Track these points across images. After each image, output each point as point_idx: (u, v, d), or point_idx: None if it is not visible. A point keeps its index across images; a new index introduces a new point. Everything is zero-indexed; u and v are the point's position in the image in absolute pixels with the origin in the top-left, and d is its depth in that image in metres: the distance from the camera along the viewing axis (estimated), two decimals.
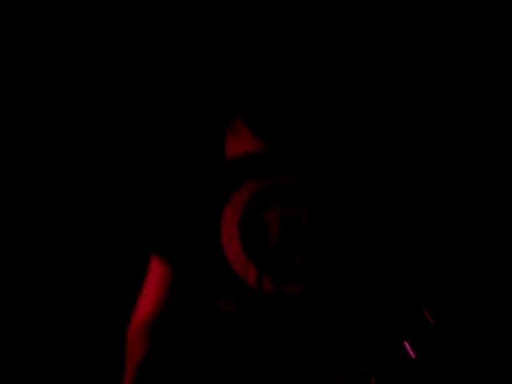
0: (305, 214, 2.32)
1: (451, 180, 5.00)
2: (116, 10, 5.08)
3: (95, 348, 3.93)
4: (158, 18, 5.04)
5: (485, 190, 5.11)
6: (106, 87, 5.26)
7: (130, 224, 3.72)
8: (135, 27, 5.21)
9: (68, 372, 4.05)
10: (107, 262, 4.16)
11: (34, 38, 5.23)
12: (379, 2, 5.34)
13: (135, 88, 5.02)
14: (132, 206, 3.72)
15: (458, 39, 5.21)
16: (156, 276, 2.36)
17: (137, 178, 4.18)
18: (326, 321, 2.28)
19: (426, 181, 4.89)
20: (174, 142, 4.35)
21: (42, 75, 5.38)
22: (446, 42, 5.31)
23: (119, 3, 5.08)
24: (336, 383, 2.47)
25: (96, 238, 4.24)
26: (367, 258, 2.60)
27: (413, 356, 2.64)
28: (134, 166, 4.41)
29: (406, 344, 2.80)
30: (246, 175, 2.32)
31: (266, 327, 2.21)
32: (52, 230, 4.57)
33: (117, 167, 4.55)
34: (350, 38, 5.20)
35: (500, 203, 4.89)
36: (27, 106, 5.36)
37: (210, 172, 2.41)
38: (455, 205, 4.84)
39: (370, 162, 4.27)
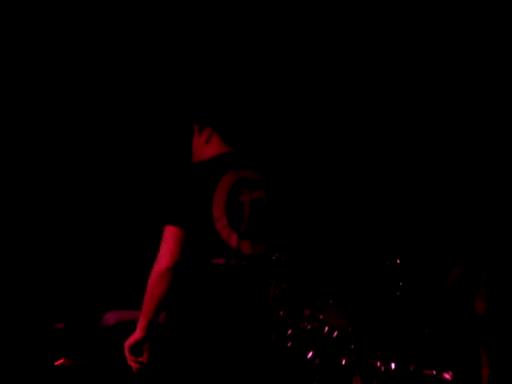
0: (264, 196, 3.17)
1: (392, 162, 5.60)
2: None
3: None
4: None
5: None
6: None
7: (149, 203, 4.64)
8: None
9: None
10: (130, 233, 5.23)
11: (34, 39, 5.49)
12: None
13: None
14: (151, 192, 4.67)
15: (458, 39, 5.36)
16: (173, 237, 3.04)
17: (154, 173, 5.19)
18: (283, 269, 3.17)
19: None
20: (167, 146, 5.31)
21: (41, 75, 5.58)
22: (443, 42, 5.43)
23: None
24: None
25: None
26: (308, 225, 3.55)
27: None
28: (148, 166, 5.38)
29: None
30: (226, 169, 3.14)
31: (243, 275, 3.05)
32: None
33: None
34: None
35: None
36: (26, 106, 5.60)
37: (200, 168, 3.17)
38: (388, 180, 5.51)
39: (307, 160, 5.25)
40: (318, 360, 4.55)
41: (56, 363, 4.55)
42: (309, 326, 4.61)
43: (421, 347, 4.47)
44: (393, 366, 4.37)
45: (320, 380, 4.33)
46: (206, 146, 3.28)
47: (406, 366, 4.37)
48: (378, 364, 4.42)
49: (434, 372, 4.34)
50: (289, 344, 4.63)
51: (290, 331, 4.63)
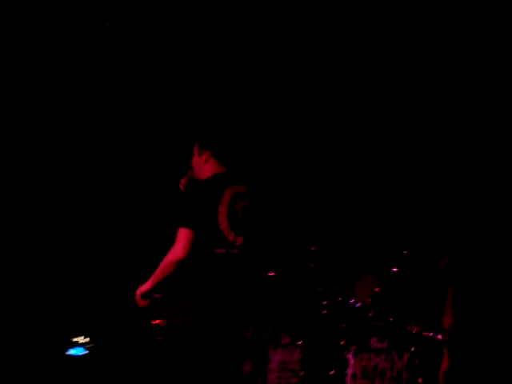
0: (248, 204, 4.17)
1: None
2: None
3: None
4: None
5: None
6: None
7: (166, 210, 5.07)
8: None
9: None
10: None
11: (35, 39, 5.71)
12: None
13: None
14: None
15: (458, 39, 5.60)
16: (185, 236, 3.95)
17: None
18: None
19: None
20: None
21: (42, 75, 5.86)
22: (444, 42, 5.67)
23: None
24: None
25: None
26: (278, 225, 4.97)
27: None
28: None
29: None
30: (225, 185, 4.09)
31: (236, 259, 4.09)
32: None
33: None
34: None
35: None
36: (27, 107, 5.92)
37: (205, 185, 4.08)
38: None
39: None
40: (345, 324, 5.82)
41: (153, 323, 5.79)
42: (339, 298, 5.92)
43: (422, 316, 5.69)
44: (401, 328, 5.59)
45: (346, 338, 5.68)
46: (205, 165, 4.23)
47: (410, 328, 5.60)
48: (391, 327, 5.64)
49: (431, 334, 5.55)
50: (324, 312, 5.95)
51: (325, 302, 5.93)
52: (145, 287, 4.16)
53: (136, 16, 5.90)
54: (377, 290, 5.81)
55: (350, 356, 5.57)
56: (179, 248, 4.00)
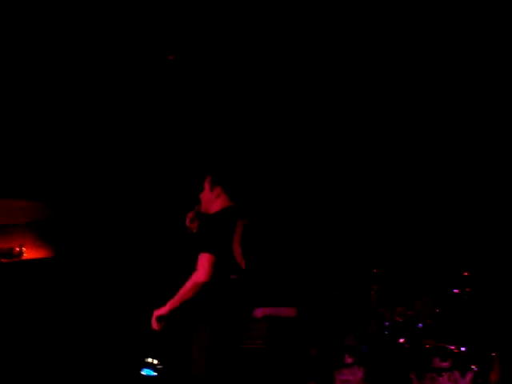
0: (253, 235, 4.42)
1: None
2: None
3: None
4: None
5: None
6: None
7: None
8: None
9: None
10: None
11: (35, 39, 5.57)
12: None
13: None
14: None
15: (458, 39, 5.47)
16: (209, 261, 4.24)
17: None
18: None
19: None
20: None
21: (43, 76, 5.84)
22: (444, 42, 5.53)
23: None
24: None
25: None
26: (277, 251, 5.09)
27: None
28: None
29: None
30: (237, 217, 4.37)
31: (246, 284, 4.35)
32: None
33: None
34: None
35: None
36: (28, 107, 6.00)
37: (221, 216, 4.37)
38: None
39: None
40: (408, 345, 5.98)
41: None
42: (401, 320, 6.08)
43: (483, 336, 5.87)
44: (462, 349, 5.74)
45: (408, 358, 5.84)
46: (216, 200, 4.57)
47: (471, 348, 5.75)
48: (453, 347, 5.80)
49: (493, 353, 5.71)
50: (386, 332, 6.15)
51: (387, 323, 6.12)
52: (162, 311, 4.35)
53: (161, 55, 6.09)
54: (437, 310, 5.94)
55: (413, 376, 5.74)
56: (202, 271, 4.27)
